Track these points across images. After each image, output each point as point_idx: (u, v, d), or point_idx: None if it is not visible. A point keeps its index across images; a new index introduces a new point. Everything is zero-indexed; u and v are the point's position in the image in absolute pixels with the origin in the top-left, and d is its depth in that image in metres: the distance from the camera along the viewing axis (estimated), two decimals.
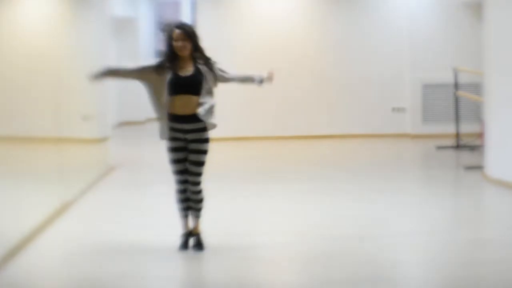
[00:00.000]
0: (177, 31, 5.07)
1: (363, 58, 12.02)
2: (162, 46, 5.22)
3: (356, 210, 6.80)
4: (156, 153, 11.72)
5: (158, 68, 5.15)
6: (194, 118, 5.08)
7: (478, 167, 8.56)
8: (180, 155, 5.20)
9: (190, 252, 5.30)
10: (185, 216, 5.37)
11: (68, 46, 11.85)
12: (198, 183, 5.21)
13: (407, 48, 11.90)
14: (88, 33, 11.86)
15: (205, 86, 5.10)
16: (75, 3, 11.89)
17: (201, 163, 5.18)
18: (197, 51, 5.11)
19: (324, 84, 12.07)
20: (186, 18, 15.47)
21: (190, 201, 5.27)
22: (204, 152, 5.18)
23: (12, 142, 10.90)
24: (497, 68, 7.96)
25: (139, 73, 5.28)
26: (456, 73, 10.68)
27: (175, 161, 5.23)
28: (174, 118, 5.12)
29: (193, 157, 5.17)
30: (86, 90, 11.89)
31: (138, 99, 14.75)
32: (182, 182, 5.26)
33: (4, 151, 9.45)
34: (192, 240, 5.33)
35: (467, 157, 9.71)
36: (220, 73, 5.20)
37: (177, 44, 5.04)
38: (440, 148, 10.53)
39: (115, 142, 11.94)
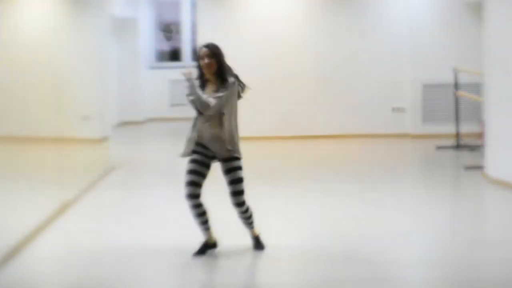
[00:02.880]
0: (203, 49, 5.13)
1: (363, 58, 12.02)
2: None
3: (356, 210, 6.80)
4: (156, 153, 11.77)
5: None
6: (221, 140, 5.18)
7: (478, 167, 8.57)
8: (197, 167, 5.10)
9: (189, 252, 5.30)
10: (206, 229, 5.25)
11: (68, 46, 11.86)
12: (242, 203, 5.16)
13: (407, 48, 11.90)
14: (88, 33, 11.87)
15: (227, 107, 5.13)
16: (75, 3, 11.90)
17: (241, 180, 5.16)
18: (221, 71, 5.11)
19: (324, 84, 12.07)
20: (186, 18, 15.49)
21: (206, 215, 5.19)
22: (240, 168, 5.19)
23: (12, 142, 10.89)
24: (497, 68, 7.96)
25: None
26: (456, 73, 10.69)
27: (190, 172, 5.10)
28: (201, 145, 5.19)
29: (233, 175, 5.15)
30: (86, 90, 11.91)
31: (138, 99, 14.78)
32: (192, 196, 5.08)
33: (4, 151, 9.45)
34: (252, 243, 5.37)
35: (467, 157, 9.71)
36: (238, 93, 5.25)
37: (203, 62, 5.09)
38: (440, 148, 10.54)
39: (115, 142, 11.95)
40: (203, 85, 5.14)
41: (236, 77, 5.18)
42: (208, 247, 5.29)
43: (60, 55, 11.85)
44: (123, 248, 5.52)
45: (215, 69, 5.09)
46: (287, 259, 5.30)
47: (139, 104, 14.73)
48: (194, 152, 5.15)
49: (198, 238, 5.34)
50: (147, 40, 15.41)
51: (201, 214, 5.15)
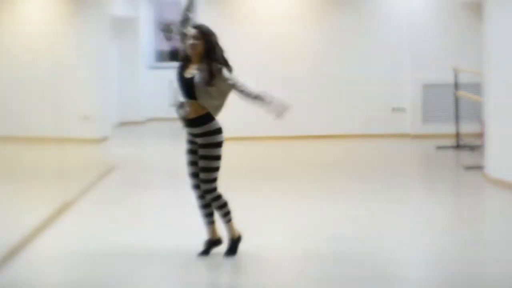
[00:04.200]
0: (192, 30, 4.99)
1: (363, 58, 12.02)
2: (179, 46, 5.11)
3: (356, 210, 6.80)
4: (156, 153, 11.77)
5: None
6: (198, 121, 4.93)
7: (478, 167, 8.56)
8: (191, 157, 5.08)
9: (189, 252, 5.30)
10: (209, 223, 5.19)
11: (68, 46, 11.86)
12: (209, 191, 4.98)
13: (407, 48, 11.90)
14: (88, 33, 11.87)
15: (203, 89, 4.89)
16: (75, 3, 11.90)
17: (208, 169, 4.95)
18: (210, 54, 4.94)
19: (324, 84, 12.07)
20: None
21: (211, 207, 5.12)
22: (212, 157, 4.93)
23: (12, 142, 10.90)
24: (497, 68, 7.96)
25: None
26: (456, 73, 10.69)
27: (188, 163, 5.10)
28: (185, 121, 5.02)
29: (201, 163, 4.98)
30: (86, 90, 11.91)
31: (138, 99, 14.78)
32: (196, 186, 5.10)
33: (4, 151, 9.45)
34: (228, 244, 5.18)
35: (467, 157, 9.71)
36: (226, 80, 4.91)
37: (189, 42, 4.95)
38: (440, 148, 10.54)
39: (115, 142, 11.96)
40: (183, 66, 4.98)
41: (226, 62, 5.00)
42: (212, 244, 5.23)
43: (60, 55, 11.85)
44: (123, 248, 5.51)
45: (200, 51, 4.94)
46: (286, 259, 5.30)
47: (139, 104, 14.73)
48: (187, 141, 5.11)
49: (198, 238, 5.33)
50: (147, 40, 15.41)
51: (205, 206, 5.13)
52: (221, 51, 5.01)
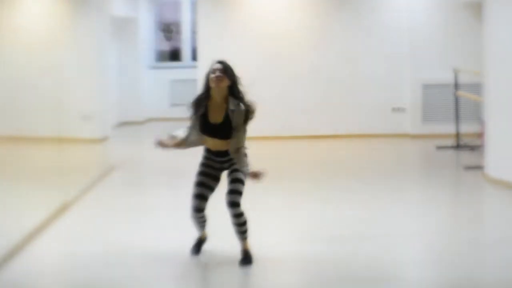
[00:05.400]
0: (216, 64, 4.91)
1: (363, 58, 12.02)
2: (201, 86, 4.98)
3: (356, 210, 6.80)
4: (156, 153, 11.73)
5: (197, 112, 4.96)
6: (228, 152, 4.97)
7: (478, 167, 8.57)
8: (206, 180, 5.04)
9: (191, 254, 5.30)
10: (202, 227, 5.25)
11: (68, 46, 11.86)
12: (238, 204, 4.94)
13: (407, 48, 11.89)
14: (88, 33, 11.87)
15: (235, 129, 4.91)
16: (75, 3, 11.90)
17: (243, 182, 4.99)
18: (234, 92, 4.90)
19: (324, 84, 12.06)
20: (186, 18, 15.49)
21: (234, 225, 5.03)
22: (245, 174, 4.97)
23: (12, 142, 10.90)
24: (497, 68, 7.96)
25: (198, 134, 5.02)
26: (456, 73, 10.69)
27: (199, 184, 5.03)
28: (209, 151, 5.04)
29: (237, 174, 4.97)
30: (86, 90, 11.91)
31: (138, 99, 14.78)
32: (198, 210, 5.05)
33: (4, 151, 9.45)
34: (241, 256, 5.09)
35: (467, 157, 9.71)
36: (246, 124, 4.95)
37: (214, 75, 4.83)
38: (440, 148, 10.54)
39: (115, 142, 11.96)
40: (204, 108, 4.89)
41: (247, 105, 4.93)
42: (202, 242, 5.34)
43: (60, 55, 11.85)
44: (123, 248, 5.52)
45: (224, 88, 4.85)
46: (286, 259, 5.30)
47: (139, 104, 14.72)
48: (203, 165, 5.07)
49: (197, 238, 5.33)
50: (147, 40, 15.40)
51: (201, 222, 5.17)
52: (242, 88, 4.94)
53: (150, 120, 14.96)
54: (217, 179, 5.09)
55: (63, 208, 6.83)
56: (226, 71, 4.86)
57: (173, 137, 5.12)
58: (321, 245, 5.56)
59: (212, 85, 4.86)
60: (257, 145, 11.39)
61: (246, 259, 5.04)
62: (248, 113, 4.90)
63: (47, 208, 6.63)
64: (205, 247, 5.36)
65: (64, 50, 11.86)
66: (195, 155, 5.34)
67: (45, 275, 5.10)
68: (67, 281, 4.89)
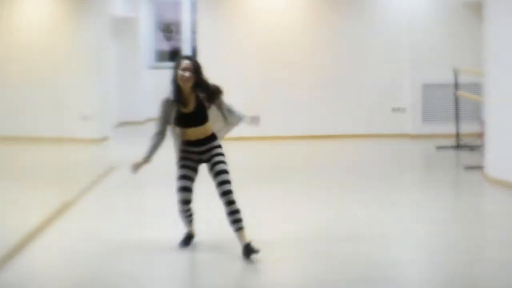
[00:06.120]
0: (185, 61, 5.11)
1: (363, 58, 12.02)
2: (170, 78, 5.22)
3: (356, 210, 6.80)
4: (156, 153, 11.72)
5: (168, 109, 5.21)
6: (207, 139, 5.22)
7: (478, 167, 8.57)
8: (189, 172, 5.25)
9: (190, 251, 5.30)
10: (190, 224, 5.48)
11: (68, 46, 11.86)
12: (232, 191, 5.14)
13: (407, 48, 11.89)
14: (88, 33, 11.86)
15: (210, 114, 5.23)
16: (75, 3, 11.90)
17: (228, 171, 5.17)
18: (200, 85, 5.13)
19: (324, 84, 12.06)
20: (186, 18, 15.50)
21: (230, 215, 5.16)
22: (225, 162, 5.20)
23: (12, 142, 10.89)
24: (497, 68, 7.96)
25: (165, 129, 5.32)
26: (456, 73, 10.69)
27: (182, 177, 5.25)
28: (189, 143, 5.24)
29: (222, 166, 5.16)
30: (86, 90, 11.91)
31: (138, 99, 14.77)
32: (184, 202, 5.26)
33: (4, 151, 9.45)
34: (242, 251, 5.14)
35: (467, 157, 9.71)
36: (222, 105, 5.29)
37: (184, 74, 5.08)
38: (440, 148, 10.54)
39: (115, 142, 11.95)
40: (177, 101, 5.15)
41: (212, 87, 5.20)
42: (190, 238, 5.49)
43: (60, 54, 11.85)
44: (123, 248, 5.52)
45: (192, 84, 5.11)
46: (286, 259, 5.30)
47: (139, 104, 14.72)
48: (182, 158, 5.27)
49: (198, 238, 5.33)
50: (147, 40, 15.41)
51: (188, 216, 5.38)
52: (205, 76, 5.19)
53: (150, 120, 14.95)
54: (196, 171, 5.30)
55: (63, 208, 6.83)
56: (196, 70, 5.11)
57: (145, 158, 5.54)
58: (320, 245, 5.56)
59: (181, 82, 5.12)
60: (257, 145, 11.43)
61: (249, 250, 5.11)
62: (218, 91, 5.18)
63: (47, 208, 6.64)
64: (205, 247, 5.36)
65: (64, 50, 11.85)
66: None
67: (45, 275, 5.10)
68: (67, 281, 4.89)
